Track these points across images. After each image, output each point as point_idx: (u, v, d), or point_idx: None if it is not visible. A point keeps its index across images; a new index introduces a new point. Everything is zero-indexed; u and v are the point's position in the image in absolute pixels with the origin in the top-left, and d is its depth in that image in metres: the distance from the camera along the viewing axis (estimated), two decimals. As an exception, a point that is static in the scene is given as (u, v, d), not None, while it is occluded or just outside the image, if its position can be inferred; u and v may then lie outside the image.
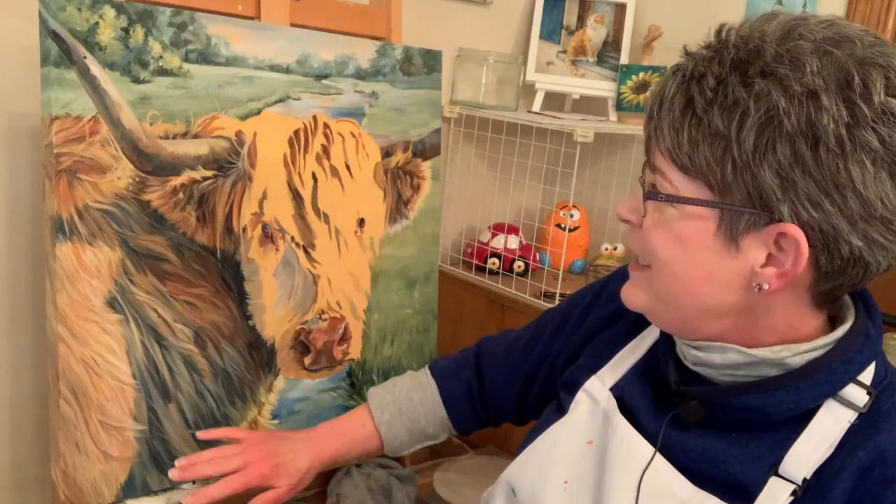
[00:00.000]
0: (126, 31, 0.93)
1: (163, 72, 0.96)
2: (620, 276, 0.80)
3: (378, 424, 0.96)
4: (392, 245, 1.22)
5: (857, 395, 0.61)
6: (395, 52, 1.20)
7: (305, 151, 1.09)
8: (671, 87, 0.59)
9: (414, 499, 1.24)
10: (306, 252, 1.10)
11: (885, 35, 1.60)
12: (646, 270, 0.65)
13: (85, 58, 0.89)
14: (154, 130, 0.96)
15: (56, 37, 0.88)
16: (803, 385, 0.61)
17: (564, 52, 1.82)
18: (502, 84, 1.74)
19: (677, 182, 0.59)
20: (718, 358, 0.64)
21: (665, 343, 0.72)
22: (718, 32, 0.60)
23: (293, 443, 0.94)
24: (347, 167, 1.14)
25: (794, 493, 0.60)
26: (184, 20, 0.98)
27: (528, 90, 1.83)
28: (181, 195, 0.98)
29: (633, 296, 0.68)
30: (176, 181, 0.98)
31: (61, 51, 0.88)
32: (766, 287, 0.58)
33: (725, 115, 0.55)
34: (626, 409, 0.72)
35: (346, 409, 1.18)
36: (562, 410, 0.78)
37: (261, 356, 1.08)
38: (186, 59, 0.98)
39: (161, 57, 0.96)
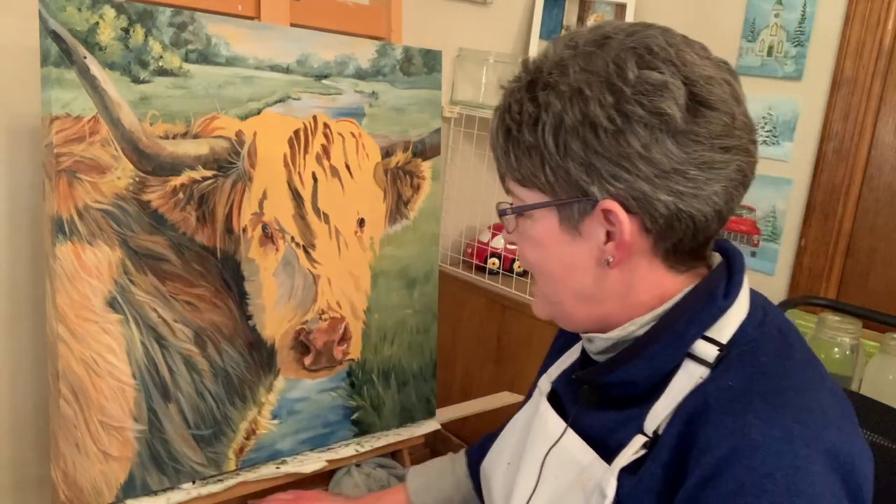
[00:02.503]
0: (126, 31, 0.93)
1: (163, 72, 0.96)
2: None
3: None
4: (392, 245, 1.22)
5: (707, 351, 0.66)
6: (395, 52, 1.20)
7: (305, 151, 1.09)
8: (494, 123, 0.71)
9: (414, 499, 1.24)
10: (306, 252, 1.10)
11: (886, 35, 1.60)
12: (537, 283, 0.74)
13: (85, 58, 0.90)
14: (154, 130, 0.96)
15: (56, 37, 0.88)
16: (655, 349, 0.67)
17: (564, 52, 1.82)
18: (502, 84, 1.74)
19: (521, 195, 0.69)
20: (592, 346, 0.74)
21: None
22: (523, 64, 0.70)
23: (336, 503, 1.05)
24: (347, 167, 1.14)
25: (645, 444, 0.66)
26: (184, 20, 0.98)
27: (528, 90, 1.82)
28: (181, 195, 0.98)
29: (537, 308, 0.77)
30: (176, 181, 0.98)
31: (61, 51, 0.88)
32: (611, 259, 0.66)
33: (531, 129, 0.65)
34: (557, 398, 0.81)
35: (346, 408, 1.18)
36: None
37: (261, 356, 1.08)
38: (186, 59, 0.98)
39: (161, 57, 0.96)
